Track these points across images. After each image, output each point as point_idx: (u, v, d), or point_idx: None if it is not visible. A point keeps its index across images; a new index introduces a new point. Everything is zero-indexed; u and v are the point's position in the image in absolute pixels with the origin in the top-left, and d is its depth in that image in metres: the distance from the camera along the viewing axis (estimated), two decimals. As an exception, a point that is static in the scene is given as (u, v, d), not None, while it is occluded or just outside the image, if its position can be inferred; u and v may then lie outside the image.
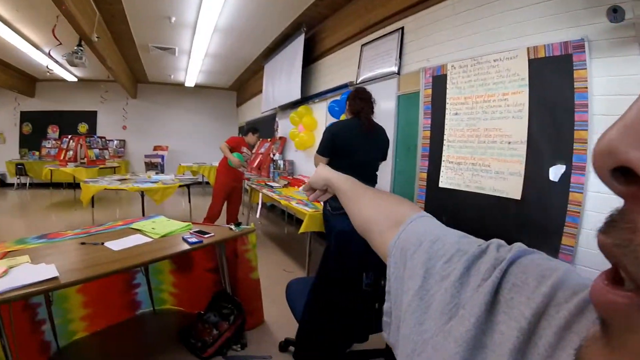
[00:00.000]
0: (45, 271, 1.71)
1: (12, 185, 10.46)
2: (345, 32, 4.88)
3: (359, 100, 2.94)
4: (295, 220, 6.34)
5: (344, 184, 0.82)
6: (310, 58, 5.89)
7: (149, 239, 2.28)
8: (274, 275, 3.86)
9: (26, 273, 1.70)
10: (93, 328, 2.69)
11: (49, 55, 6.97)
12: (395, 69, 3.80)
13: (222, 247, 2.53)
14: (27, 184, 10.36)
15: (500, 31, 2.70)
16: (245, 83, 10.72)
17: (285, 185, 5.43)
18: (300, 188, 1.21)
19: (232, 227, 2.47)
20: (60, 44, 5.26)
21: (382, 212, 0.65)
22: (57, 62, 7.87)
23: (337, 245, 1.78)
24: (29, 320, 2.28)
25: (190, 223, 2.59)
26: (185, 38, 6.45)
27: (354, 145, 2.86)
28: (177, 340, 2.54)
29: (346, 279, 1.83)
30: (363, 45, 4.46)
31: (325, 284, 1.84)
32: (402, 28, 3.81)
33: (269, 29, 6.03)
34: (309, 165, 5.85)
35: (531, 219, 2.39)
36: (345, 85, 4.72)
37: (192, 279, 2.92)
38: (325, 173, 0.90)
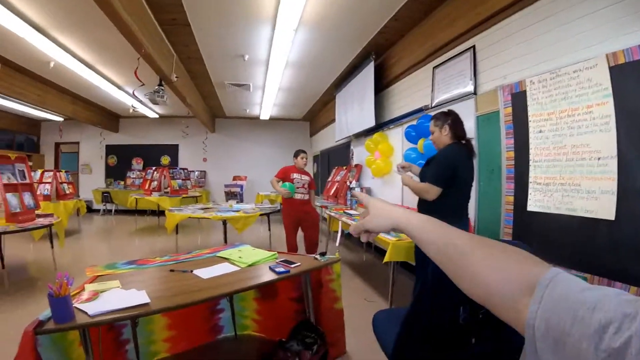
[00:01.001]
0: (137, 297, 1.79)
1: (98, 211, 11.68)
2: (414, 56, 4.85)
3: (460, 123, 2.81)
4: (374, 248, 6.29)
5: (428, 231, 0.68)
6: (382, 84, 5.89)
7: (237, 268, 2.33)
8: (355, 305, 3.77)
9: (117, 298, 1.80)
10: (175, 350, 2.78)
11: (132, 95, 7.62)
12: (471, 88, 3.69)
13: (307, 277, 2.53)
14: (113, 211, 11.49)
15: (576, 40, 2.55)
16: (318, 113, 11.03)
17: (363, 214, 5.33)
18: (350, 229, 1.16)
19: (318, 257, 2.46)
20: (143, 84, 5.71)
21: (503, 275, 0.55)
22: (139, 100, 8.58)
23: (433, 278, 1.70)
24: (114, 339, 2.39)
25: (275, 252, 2.62)
26: (258, 74, 6.78)
27: (469, 173, 2.75)
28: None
29: (442, 313, 1.75)
30: (435, 67, 4.39)
31: (419, 317, 1.77)
32: (474, 47, 3.72)
33: (338, 60, 6.16)
34: (386, 192, 5.81)
35: (627, 239, 2.16)
36: (420, 110, 4.66)
37: (275, 307, 2.94)
38: (394, 213, 0.75)
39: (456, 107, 3.68)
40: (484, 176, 3.54)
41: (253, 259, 2.47)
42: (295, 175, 5.05)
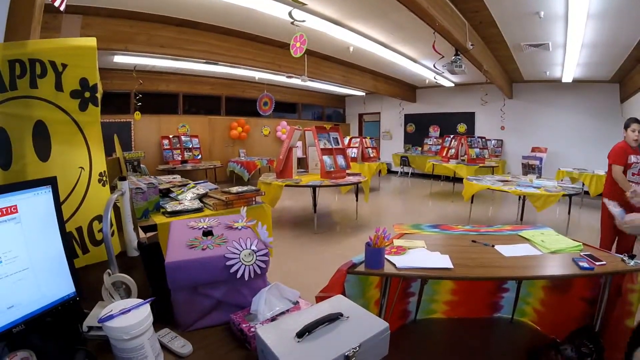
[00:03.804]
0: (441, 260, 1.96)
1: (395, 172, 13.15)
2: None
3: None
4: None
5: None
6: None
7: (538, 252, 2.19)
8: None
9: (423, 257, 2.01)
10: (451, 314, 2.92)
11: (433, 67, 7.97)
12: None
13: (608, 280, 2.17)
14: (409, 173, 12.71)
15: None
16: (629, 73, 8.62)
17: None
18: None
19: (626, 258, 2.03)
20: (442, 56, 5.86)
21: None
22: (438, 72, 8.92)
23: None
24: (402, 290, 2.69)
25: (580, 244, 2.33)
26: (557, 31, 5.86)
27: None
28: (524, 358, 2.40)
29: None
30: None
31: None
32: None
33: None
34: None
35: None
36: None
37: (561, 302, 2.65)
38: None
39: None
40: None
41: (557, 245, 2.26)
42: (632, 159, 3.69)
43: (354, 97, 14.65)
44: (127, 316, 0.84)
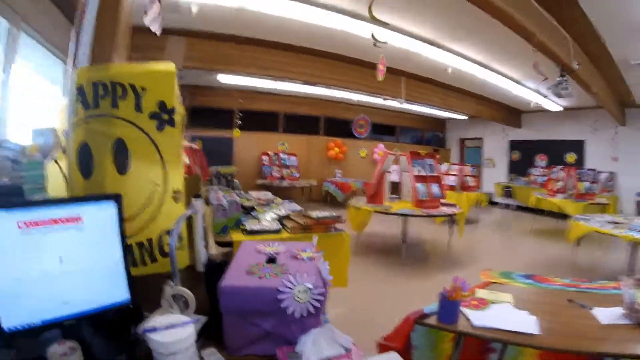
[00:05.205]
0: (527, 322, 1.66)
1: (497, 204, 12.05)
2: None
3: None
4: None
5: None
6: None
7: None
8: None
9: (506, 316, 1.72)
10: None
11: (535, 90, 7.36)
12: None
13: None
14: (512, 206, 11.57)
15: None
16: None
17: None
18: None
19: None
20: (546, 78, 5.33)
21: None
22: (541, 94, 8.21)
23: None
24: (480, 344, 2.29)
25: None
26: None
27: None
28: None
29: None
30: None
31: None
32: None
33: None
34: None
35: None
36: None
37: None
38: None
39: None
40: None
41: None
42: None
43: (455, 121, 13.97)
44: (170, 332, 0.88)
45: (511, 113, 11.62)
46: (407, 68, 7.18)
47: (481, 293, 2.00)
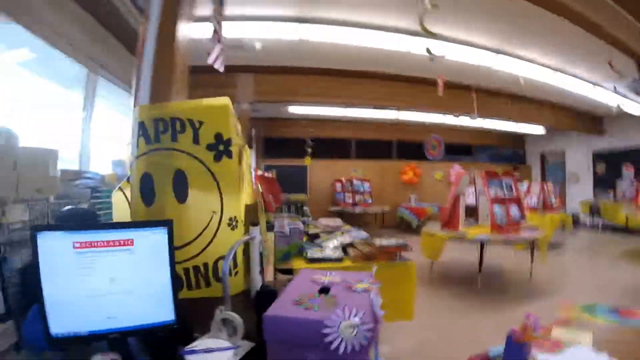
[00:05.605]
0: None
1: (583, 224, 10.90)
2: None
3: None
4: None
5: None
6: None
7: None
8: None
9: None
10: None
11: (614, 90, 6.73)
12: None
13: None
14: (600, 226, 10.33)
15: None
16: None
17: None
18: None
19: None
20: (619, 74, 4.87)
21: None
22: (623, 95, 7.46)
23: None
24: None
25: None
26: None
27: None
28: None
29: None
30: None
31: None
32: None
33: None
34: None
35: None
36: None
37: None
38: None
39: None
40: None
41: None
42: None
43: (534, 136, 13.02)
44: (207, 355, 0.95)
45: (592, 120, 10.74)
46: (476, 81, 6.98)
47: (558, 331, 1.75)
